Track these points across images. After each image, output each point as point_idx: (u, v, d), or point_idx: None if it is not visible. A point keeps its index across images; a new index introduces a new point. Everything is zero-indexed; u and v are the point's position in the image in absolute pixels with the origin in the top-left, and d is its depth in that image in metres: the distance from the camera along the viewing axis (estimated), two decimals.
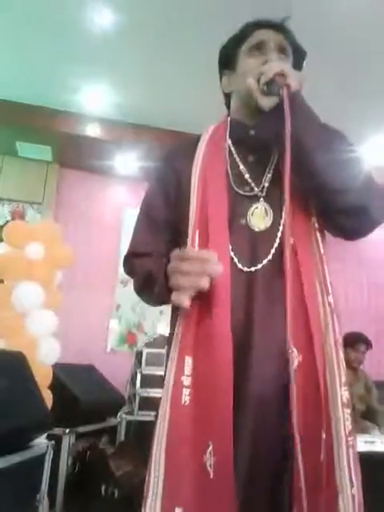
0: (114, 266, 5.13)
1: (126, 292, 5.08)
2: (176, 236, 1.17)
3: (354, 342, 3.91)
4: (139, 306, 5.09)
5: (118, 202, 5.39)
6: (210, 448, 0.93)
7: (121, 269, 5.41)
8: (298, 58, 1.26)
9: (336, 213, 1.06)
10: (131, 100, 4.40)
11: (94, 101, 4.43)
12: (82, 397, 3.17)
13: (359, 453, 1.01)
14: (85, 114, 4.61)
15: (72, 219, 5.21)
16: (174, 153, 1.28)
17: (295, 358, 0.98)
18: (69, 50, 3.75)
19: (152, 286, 1.08)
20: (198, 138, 1.24)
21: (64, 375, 3.20)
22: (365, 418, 3.82)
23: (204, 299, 1.00)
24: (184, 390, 0.99)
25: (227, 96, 1.31)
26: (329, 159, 1.03)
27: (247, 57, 1.20)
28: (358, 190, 1.03)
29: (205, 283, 0.92)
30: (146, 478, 0.97)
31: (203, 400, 0.97)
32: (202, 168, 1.16)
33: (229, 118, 1.26)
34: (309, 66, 1.30)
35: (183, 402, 0.98)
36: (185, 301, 0.93)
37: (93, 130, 4.69)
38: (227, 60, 1.28)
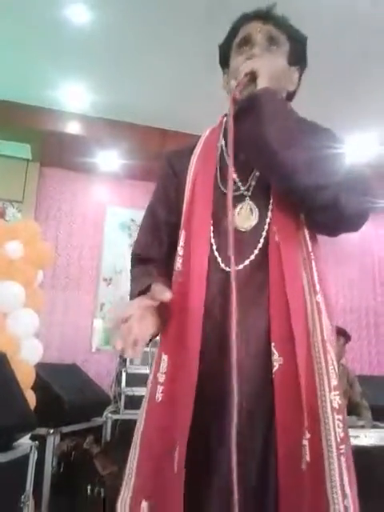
0: (97, 264, 5.09)
1: (110, 290, 5.01)
2: (177, 237, 1.15)
3: None
4: None
5: (100, 200, 5.33)
6: (177, 445, 0.94)
7: (104, 267, 5.35)
8: (296, 44, 1.19)
9: (311, 209, 1.03)
10: (112, 97, 4.36)
11: (74, 98, 4.38)
12: (65, 396, 3.14)
13: None
14: (65, 111, 4.56)
15: (53, 217, 5.16)
16: (175, 155, 1.27)
17: (276, 360, 0.96)
18: (48, 46, 3.70)
19: None
20: (198, 140, 1.24)
21: (47, 375, 3.17)
22: (348, 413, 3.85)
23: (183, 298, 1.01)
24: (158, 386, 1.01)
25: None
26: (298, 158, 0.97)
27: (236, 53, 1.18)
28: (332, 185, 0.96)
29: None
30: (125, 472, 1.01)
31: (172, 398, 0.99)
32: (196, 169, 1.16)
33: (225, 118, 1.23)
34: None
35: (157, 399, 1.01)
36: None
37: (73, 128, 4.64)
38: (224, 58, 1.24)
